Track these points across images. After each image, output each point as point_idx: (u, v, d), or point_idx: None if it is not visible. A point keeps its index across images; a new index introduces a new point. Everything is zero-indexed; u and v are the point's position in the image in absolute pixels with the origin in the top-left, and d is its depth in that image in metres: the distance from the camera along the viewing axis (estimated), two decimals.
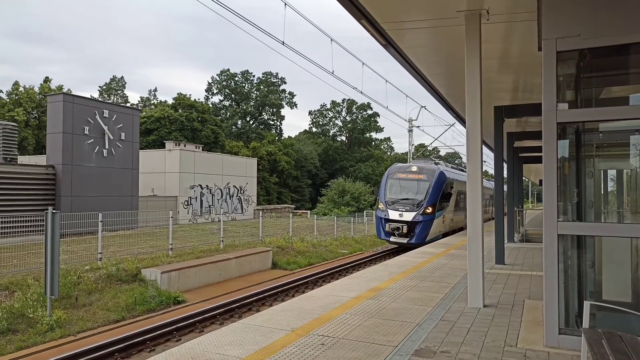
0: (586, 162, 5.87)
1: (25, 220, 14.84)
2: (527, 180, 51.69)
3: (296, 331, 6.02)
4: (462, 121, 15.15)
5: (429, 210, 20.83)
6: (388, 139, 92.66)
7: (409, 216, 20.74)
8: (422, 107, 37.20)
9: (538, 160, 17.91)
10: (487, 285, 8.41)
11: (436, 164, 24.26)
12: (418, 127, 39.39)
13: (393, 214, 21.09)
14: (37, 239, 13.29)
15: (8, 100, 48.50)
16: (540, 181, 19.54)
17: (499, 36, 7.62)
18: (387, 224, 21.02)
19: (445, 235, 22.33)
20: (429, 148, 44.02)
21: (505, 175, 15.94)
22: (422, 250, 15.40)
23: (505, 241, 12.50)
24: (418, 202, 21.08)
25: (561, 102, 5.37)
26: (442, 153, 79.73)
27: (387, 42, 7.63)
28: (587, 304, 4.52)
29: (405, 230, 20.55)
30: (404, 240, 20.62)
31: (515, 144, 16.39)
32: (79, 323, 10.58)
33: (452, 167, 26.88)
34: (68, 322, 10.48)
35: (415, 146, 43.66)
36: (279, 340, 5.69)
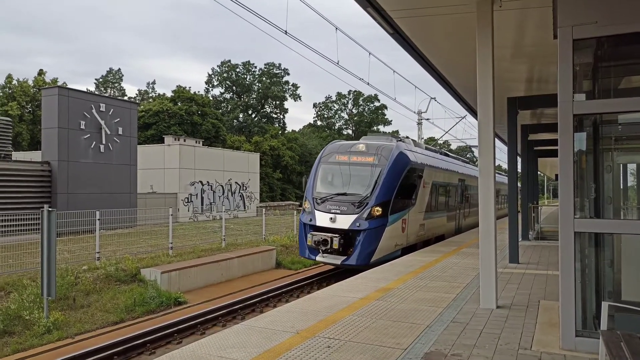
0: (604, 155, 5.69)
1: (21, 219, 14.63)
2: (542, 175, 51.43)
3: (301, 333, 5.93)
4: (474, 113, 14.83)
5: (378, 211, 13.65)
6: (396, 132, 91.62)
7: (344, 221, 13.59)
8: (431, 98, 35.56)
9: (554, 154, 17.02)
10: (500, 285, 8.26)
11: (400, 140, 16.71)
12: (427, 119, 38.46)
13: (321, 218, 13.90)
14: (33, 238, 13.09)
15: (1, 94, 47.96)
16: (556, 176, 19.34)
17: (513, 24, 7.41)
18: (310, 235, 13.92)
19: (411, 249, 15.33)
20: (439, 142, 42.95)
21: (519, 169, 15.59)
22: (432, 248, 14.99)
23: (520, 239, 12.23)
24: (361, 198, 13.89)
25: (578, 93, 5.18)
26: (454, 147, 78.97)
27: (395, 31, 7.43)
28: (605, 305, 4.44)
29: (336, 243, 13.33)
30: (337, 261, 13.63)
31: (530, 137, 16.14)
32: (77, 325, 10.41)
33: (426, 149, 19.83)
34: (65, 324, 10.31)
35: (425, 139, 42.64)
36: (283, 342, 5.61)
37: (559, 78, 5.05)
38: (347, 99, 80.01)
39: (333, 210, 13.88)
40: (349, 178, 14.58)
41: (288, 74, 73.79)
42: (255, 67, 72.28)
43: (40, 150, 23.61)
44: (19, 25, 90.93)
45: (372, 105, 79.02)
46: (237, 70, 71.67)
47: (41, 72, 51.21)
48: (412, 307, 7.15)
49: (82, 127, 22.77)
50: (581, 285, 5.18)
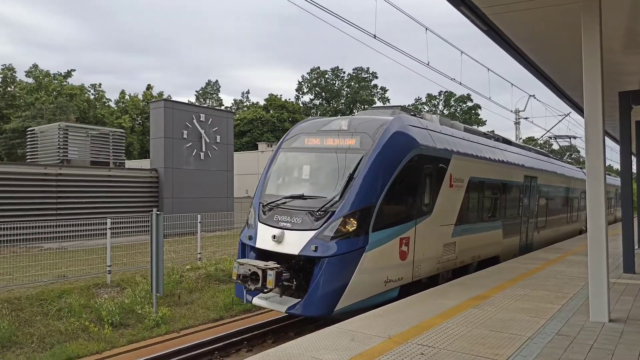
0: None
1: (133, 221, 15.97)
2: None
3: (393, 338, 5.85)
4: (580, 110, 13.71)
5: (352, 224, 8.43)
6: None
7: (295, 242, 8.51)
8: (530, 96, 32.99)
9: None
10: (613, 296, 7.59)
11: (412, 114, 10.97)
12: (526, 118, 35.68)
13: (264, 236, 8.92)
14: (143, 239, 14.21)
15: (116, 108, 53.43)
16: None
17: (623, 11, 6.72)
18: (237, 263, 8.76)
19: (419, 286, 9.52)
20: (539, 141, 39.60)
21: (635, 170, 14.18)
22: (532, 255, 13.93)
23: (636, 247, 11.09)
24: (325, 204, 8.68)
25: None
26: (555, 147, 73.76)
27: (489, 28, 7.09)
28: None
29: (271, 280, 8.12)
30: (281, 307, 8.51)
31: None
32: (182, 320, 11.13)
33: (465, 130, 12.76)
34: (172, 319, 11.06)
35: (523, 139, 39.51)
36: (375, 347, 5.58)
37: None
38: (437, 100, 77.77)
39: (282, 224, 8.75)
40: (314, 172, 9.47)
41: (376, 77, 73.65)
42: (344, 72, 73.17)
43: (149, 158, 25.69)
44: (124, 45, 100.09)
45: (464, 105, 76.00)
46: (326, 76, 73.00)
47: (149, 87, 56.24)
48: (511, 317, 6.77)
49: (185, 136, 24.42)
50: None
